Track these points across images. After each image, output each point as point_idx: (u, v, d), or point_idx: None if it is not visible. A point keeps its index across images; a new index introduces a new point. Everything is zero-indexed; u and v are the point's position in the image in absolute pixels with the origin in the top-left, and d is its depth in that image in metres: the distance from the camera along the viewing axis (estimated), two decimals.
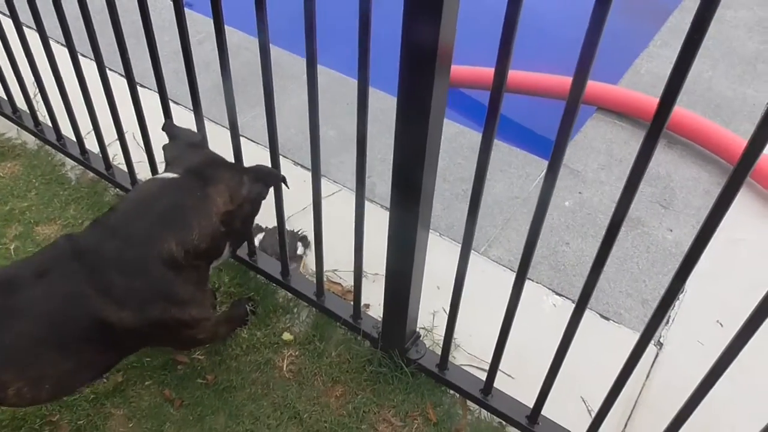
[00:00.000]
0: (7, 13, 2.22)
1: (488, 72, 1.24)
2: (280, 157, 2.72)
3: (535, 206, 1.39)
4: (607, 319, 2.18)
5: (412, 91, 1.33)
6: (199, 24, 3.31)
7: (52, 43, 2.19)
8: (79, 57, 2.12)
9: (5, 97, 2.68)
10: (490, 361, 1.78)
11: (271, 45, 1.48)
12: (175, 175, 1.63)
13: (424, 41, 1.22)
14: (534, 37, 3.51)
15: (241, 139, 2.72)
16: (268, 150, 1.83)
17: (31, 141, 2.73)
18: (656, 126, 1.09)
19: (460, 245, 2.34)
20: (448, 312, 1.77)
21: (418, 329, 2.05)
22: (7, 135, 2.77)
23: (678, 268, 1.25)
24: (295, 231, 2.37)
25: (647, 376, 2.03)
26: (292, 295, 2.17)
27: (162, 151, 1.78)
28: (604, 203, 2.60)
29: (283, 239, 2.05)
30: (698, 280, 2.30)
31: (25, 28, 2.26)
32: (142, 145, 2.19)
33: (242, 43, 3.30)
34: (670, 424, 1.48)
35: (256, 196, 1.73)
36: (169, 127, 1.80)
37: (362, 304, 2.12)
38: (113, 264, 1.52)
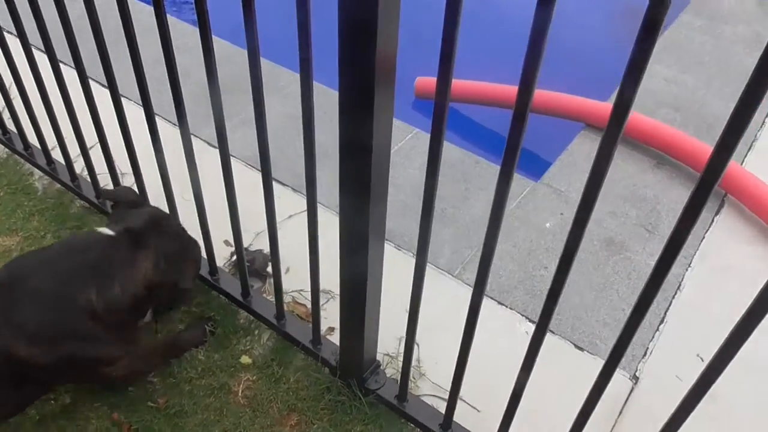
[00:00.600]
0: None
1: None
2: (252, 170, 2.67)
3: (489, 216, 1.29)
4: (581, 349, 2.08)
5: (351, 88, 1.24)
6: (187, 35, 3.26)
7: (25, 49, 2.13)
8: (43, 64, 2.05)
9: None
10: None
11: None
12: (111, 233, 1.68)
13: (362, 40, 1.14)
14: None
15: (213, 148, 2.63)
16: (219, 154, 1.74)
17: (0, 149, 2.68)
18: (611, 132, 0.99)
19: (434, 267, 2.26)
20: (404, 338, 1.68)
21: (383, 355, 1.97)
22: None
23: (643, 288, 1.14)
24: (266, 252, 2.28)
25: (620, 413, 1.92)
26: (253, 317, 2.09)
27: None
28: (588, 226, 2.49)
29: (241, 258, 1.97)
30: (680, 310, 2.22)
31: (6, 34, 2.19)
32: (103, 159, 2.13)
33: (227, 53, 3.24)
34: None
35: (180, 275, 1.75)
36: (105, 194, 1.92)
37: (326, 327, 2.04)
38: (30, 298, 1.52)
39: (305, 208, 2.50)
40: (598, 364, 2.02)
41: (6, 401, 1.57)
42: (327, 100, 2.72)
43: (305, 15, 1.21)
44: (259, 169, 2.65)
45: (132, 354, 1.72)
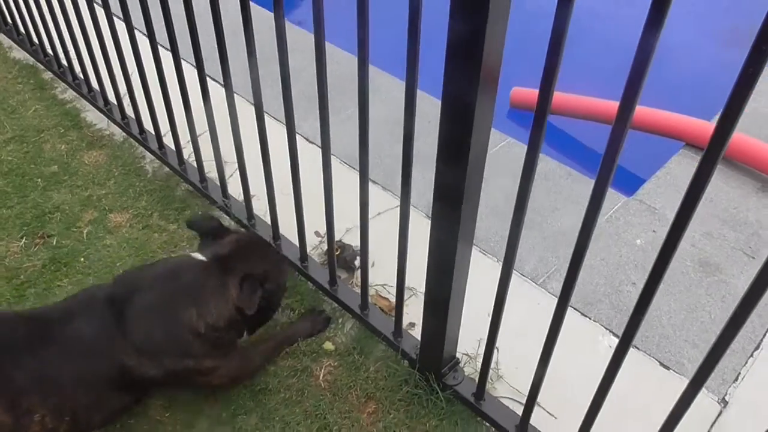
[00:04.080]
0: (121, 17, 2.34)
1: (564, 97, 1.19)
2: (346, 168, 2.75)
3: (578, 231, 1.30)
4: (667, 368, 2.02)
5: (455, 98, 1.29)
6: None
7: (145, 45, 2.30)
8: (161, 54, 2.21)
9: (98, 90, 2.84)
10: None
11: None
12: (203, 258, 1.79)
13: (468, 54, 1.19)
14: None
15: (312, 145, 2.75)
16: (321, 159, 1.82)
17: (118, 133, 2.89)
18: (712, 151, 0.99)
19: (519, 273, 2.25)
20: (484, 340, 1.70)
21: (461, 355, 1.98)
22: (98, 126, 2.94)
23: (735, 309, 1.12)
24: (355, 246, 2.35)
25: None
26: (338, 305, 2.15)
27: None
28: (681, 245, 2.42)
29: (331, 249, 2.04)
30: None
31: (137, 32, 2.37)
32: (212, 148, 2.27)
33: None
34: None
35: (269, 295, 1.84)
36: (193, 223, 2.00)
37: (407, 322, 2.08)
38: (139, 315, 1.67)
39: (394, 205, 2.57)
40: (683, 384, 1.98)
41: (109, 406, 1.71)
42: (426, 107, 2.76)
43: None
44: (354, 167, 2.75)
45: (227, 365, 1.84)
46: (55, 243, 2.38)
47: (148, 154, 2.76)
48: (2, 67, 3.34)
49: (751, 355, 2.06)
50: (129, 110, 2.73)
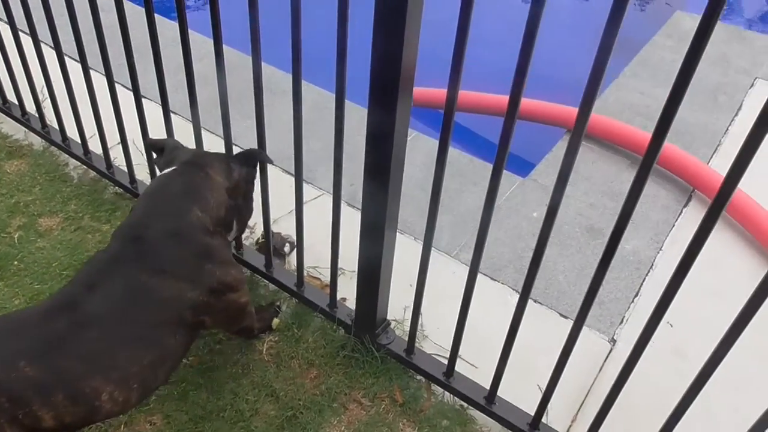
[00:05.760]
0: (27, 30, 2.42)
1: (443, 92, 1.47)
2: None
3: (483, 207, 1.58)
4: (566, 317, 2.35)
5: (379, 106, 1.57)
6: (196, 43, 3.53)
7: (61, 53, 2.39)
8: (72, 64, 2.32)
9: (16, 102, 2.87)
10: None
11: (262, 62, 1.73)
12: (174, 167, 1.84)
13: (389, 63, 1.47)
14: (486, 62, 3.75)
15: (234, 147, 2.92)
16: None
17: (37, 142, 2.92)
18: (577, 130, 1.30)
19: (434, 248, 2.54)
20: (413, 299, 1.94)
21: (389, 319, 2.22)
22: (15, 137, 2.96)
23: (602, 256, 1.45)
24: (284, 234, 2.54)
25: (600, 369, 2.19)
26: (275, 286, 2.33)
27: (155, 162, 2.00)
28: (569, 215, 2.79)
29: (268, 235, 2.22)
30: (653, 286, 2.50)
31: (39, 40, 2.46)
32: (142, 151, 2.39)
33: (238, 61, 3.52)
34: (605, 399, 1.66)
35: (247, 176, 1.95)
36: (149, 141, 2.08)
37: (339, 297, 2.29)
38: (155, 244, 1.65)
39: (316, 196, 2.78)
40: (581, 330, 2.31)
41: (171, 353, 1.65)
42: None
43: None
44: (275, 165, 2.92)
45: (244, 287, 1.87)
46: None
47: (71, 161, 2.82)
48: None
49: (632, 301, 2.43)
50: (49, 121, 2.79)
